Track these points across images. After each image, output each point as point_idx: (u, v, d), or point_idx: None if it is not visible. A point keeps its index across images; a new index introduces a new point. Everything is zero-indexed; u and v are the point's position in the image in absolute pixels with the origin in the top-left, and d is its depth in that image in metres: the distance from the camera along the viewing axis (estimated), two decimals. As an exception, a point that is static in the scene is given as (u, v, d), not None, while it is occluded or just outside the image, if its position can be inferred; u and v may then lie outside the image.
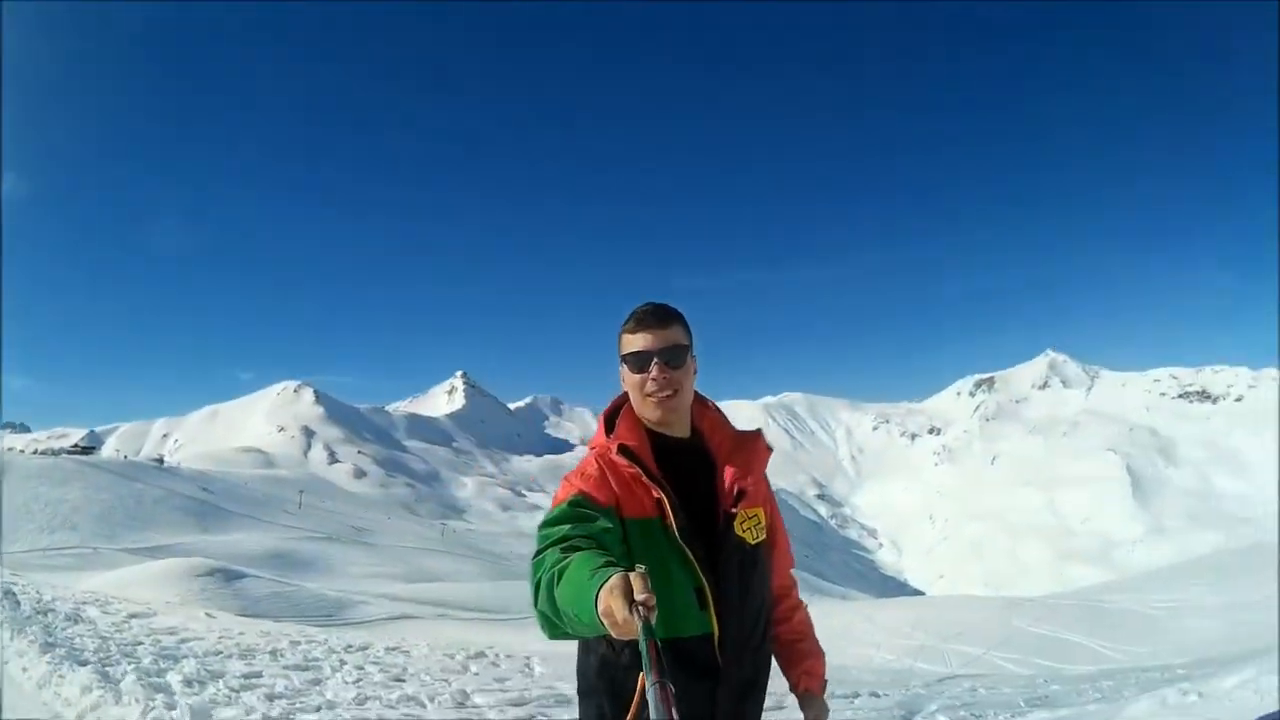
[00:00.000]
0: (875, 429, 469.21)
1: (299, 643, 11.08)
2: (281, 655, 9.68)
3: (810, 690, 2.58)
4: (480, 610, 41.59)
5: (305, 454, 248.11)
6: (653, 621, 1.54)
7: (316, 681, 8.26)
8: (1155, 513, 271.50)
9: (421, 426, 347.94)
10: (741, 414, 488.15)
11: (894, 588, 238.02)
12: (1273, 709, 5.75)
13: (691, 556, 2.22)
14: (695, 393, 2.52)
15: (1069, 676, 11.94)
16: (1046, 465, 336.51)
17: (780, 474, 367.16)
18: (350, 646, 11.49)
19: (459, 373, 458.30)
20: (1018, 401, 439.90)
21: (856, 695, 9.96)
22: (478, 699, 8.17)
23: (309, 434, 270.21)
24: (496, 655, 12.32)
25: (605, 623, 1.60)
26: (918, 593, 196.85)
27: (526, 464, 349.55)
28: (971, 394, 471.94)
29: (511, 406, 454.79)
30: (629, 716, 1.92)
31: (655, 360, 2.35)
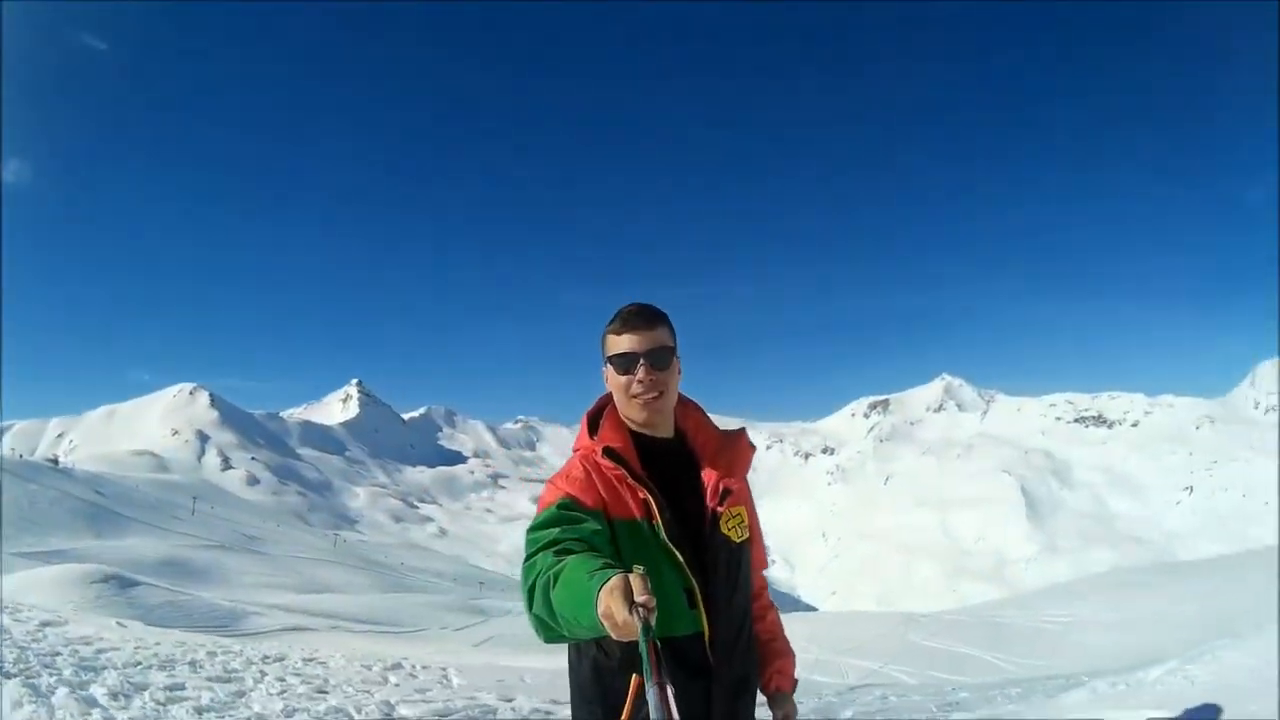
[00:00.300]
0: (769, 447, 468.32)
1: (215, 653, 10.81)
2: (201, 666, 9.44)
3: (781, 689, 2.63)
4: (373, 623, 40.86)
5: (199, 459, 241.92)
6: (653, 623, 1.53)
7: (241, 694, 8.09)
8: (1049, 532, 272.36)
9: (315, 434, 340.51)
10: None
11: (787, 604, 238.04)
12: (1201, 696, 5.96)
13: (680, 557, 2.23)
14: (678, 393, 2.52)
15: (975, 685, 12.00)
16: (940, 486, 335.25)
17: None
18: (267, 657, 11.25)
19: (354, 381, 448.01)
20: (912, 423, 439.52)
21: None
22: (403, 710, 8.07)
23: (203, 438, 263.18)
24: (413, 666, 12.22)
25: (605, 624, 1.60)
26: (810, 609, 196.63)
27: (419, 475, 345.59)
28: (866, 415, 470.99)
29: (405, 417, 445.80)
30: (622, 717, 1.91)
31: (641, 362, 2.33)
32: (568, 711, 8.71)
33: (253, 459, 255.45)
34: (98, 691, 6.94)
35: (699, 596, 2.25)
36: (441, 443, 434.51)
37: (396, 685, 10.04)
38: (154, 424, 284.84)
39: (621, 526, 2.24)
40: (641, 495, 2.26)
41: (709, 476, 2.42)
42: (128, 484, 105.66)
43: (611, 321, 2.41)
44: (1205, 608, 18.18)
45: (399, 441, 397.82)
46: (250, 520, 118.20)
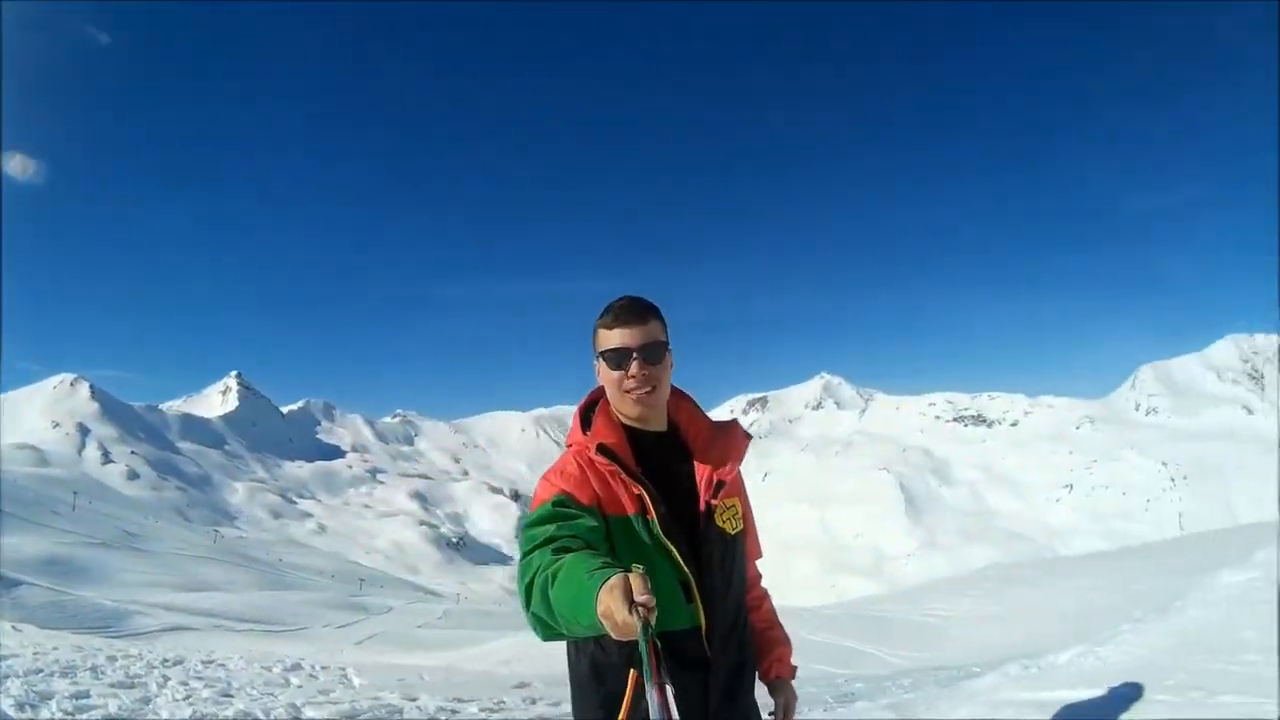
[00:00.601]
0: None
1: (115, 658, 10.42)
2: (102, 673, 9.08)
3: (781, 676, 2.61)
4: (255, 621, 39.77)
5: (80, 452, 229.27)
6: (652, 622, 1.50)
7: (146, 700, 7.83)
8: (928, 528, 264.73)
9: (194, 428, 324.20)
10: (510, 425, 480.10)
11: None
12: (1114, 675, 6.04)
13: (675, 551, 2.17)
14: (671, 385, 2.44)
15: (865, 678, 11.99)
16: (819, 482, 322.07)
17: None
18: (167, 660, 10.90)
19: (233, 373, 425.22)
20: (790, 421, 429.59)
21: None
22: (309, 712, 7.89)
23: (84, 431, 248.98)
24: (313, 667, 12.01)
25: (605, 624, 1.56)
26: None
27: (298, 470, 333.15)
28: (744, 412, 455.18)
29: (284, 410, 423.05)
30: (621, 715, 1.85)
31: (634, 357, 2.27)
32: (472, 709, 8.82)
33: (133, 453, 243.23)
34: (4, 703, 6.68)
35: (695, 590, 2.21)
36: (320, 437, 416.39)
37: (299, 687, 9.87)
38: (35, 415, 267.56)
39: (616, 522, 2.19)
40: (636, 491, 2.21)
41: (702, 469, 2.36)
42: (8, 478, 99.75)
43: (603, 315, 2.34)
44: (1084, 602, 18.17)
45: (278, 435, 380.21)
46: (131, 516, 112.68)
